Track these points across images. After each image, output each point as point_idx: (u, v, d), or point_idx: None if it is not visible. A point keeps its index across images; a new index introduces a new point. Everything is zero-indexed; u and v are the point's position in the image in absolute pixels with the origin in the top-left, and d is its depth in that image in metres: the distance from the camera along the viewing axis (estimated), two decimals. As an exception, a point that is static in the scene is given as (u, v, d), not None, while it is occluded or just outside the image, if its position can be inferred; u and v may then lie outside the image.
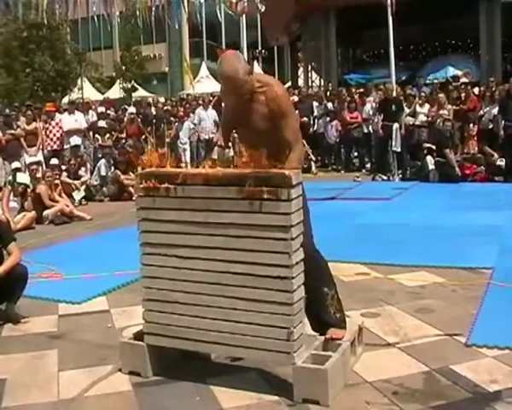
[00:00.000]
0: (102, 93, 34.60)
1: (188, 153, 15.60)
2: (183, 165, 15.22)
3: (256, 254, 3.65)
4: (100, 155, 14.06)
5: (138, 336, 4.15)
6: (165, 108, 16.82)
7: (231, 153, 4.55)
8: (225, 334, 3.78)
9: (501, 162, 13.24)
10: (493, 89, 14.69)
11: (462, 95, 15.51)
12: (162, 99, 26.63)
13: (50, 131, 13.88)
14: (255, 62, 35.15)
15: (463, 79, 15.97)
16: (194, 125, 15.83)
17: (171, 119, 16.00)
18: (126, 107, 19.59)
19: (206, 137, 15.91)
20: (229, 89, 3.87)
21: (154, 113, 16.47)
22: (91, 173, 13.63)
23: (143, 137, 15.14)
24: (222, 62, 3.85)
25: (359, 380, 3.92)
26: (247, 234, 3.67)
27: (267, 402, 3.67)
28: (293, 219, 3.60)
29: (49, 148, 13.84)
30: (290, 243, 3.58)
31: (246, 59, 3.76)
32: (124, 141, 14.98)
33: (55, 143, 13.88)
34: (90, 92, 32.27)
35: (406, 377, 3.92)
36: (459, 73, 19.02)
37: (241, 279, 3.70)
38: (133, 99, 29.36)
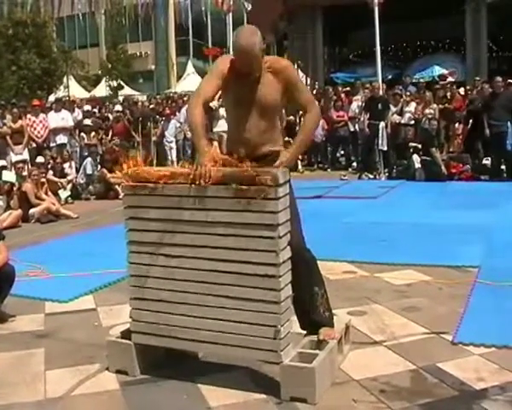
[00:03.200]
0: (88, 91, 34.49)
1: (174, 151, 15.57)
2: (169, 163, 15.23)
3: (243, 252, 3.65)
4: (86, 154, 14.00)
5: (125, 334, 4.14)
6: (151, 106, 16.75)
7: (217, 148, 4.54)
8: (213, 332, 3.78)
9: (486, 161, 13.33)
10: (479, 88, 14.74)
11: (448, 94, 15.57)
12: (144, 97, 26.52)
13: (35, 128, 13.79)
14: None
15: (449, 78, 15.99)
16: (181, 123, 15.80)
17: (158, 117, 15.96)
18: (113, 105, 19.55)
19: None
20: (243, 62, 3.82)
21: (141, 111, 16.41)
22: (77, 172, 13.57)
23: (130, 135, 15.17)
24: (239, 35, 3.84)
25: (346, 378, 3.93)
26: (235, 232, 3.67)
27: (254, 401, 3.67)
28: (281, 218, 3.60)
29: (33, 145, 13.74)
30: (277, 242, 3.58)
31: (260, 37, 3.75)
32: (110, 139, 14.92)
33: (39, 139, 13.79)
34: (76, 90, 32.16)
35: (393, 375, 3.94)
36: (445, 72, 19.08)
37: (228, 278, 3.70)
38: (119, 97, 29.25)
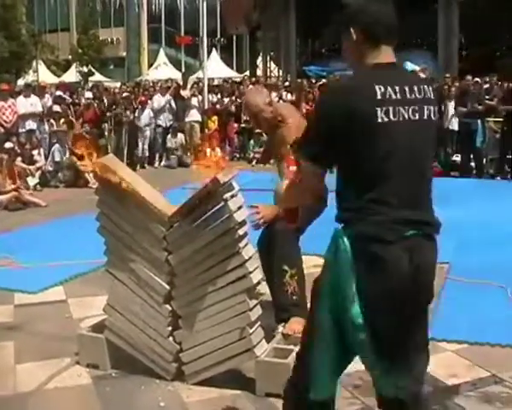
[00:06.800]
0: (58, 76, 34.03)
1: (147, 140, 15.44)
2: (140, 152, 15.09)
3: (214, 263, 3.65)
4: (54, 141, 13.77)
5: (97, 328, 4.09)
6: (125, 94, 16.54)
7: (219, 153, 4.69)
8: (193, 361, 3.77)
9: (456, 158, 13.47)
10: (449, 85, 14.86)
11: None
12: (116, 84, 26.24)
13: (3, 113, 13.51)
14: (213, 50, 35.03)
15: (421, 75, 16.09)
16: (154, 112, 15.67)
17: (133, 105, 15.77)
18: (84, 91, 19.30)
19: (163, 124, 15.80)
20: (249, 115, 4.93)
21: (113, 98, 16.20)
22: (46, 159, 13.35)
23: (101, 123, 14.96)
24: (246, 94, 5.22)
25: (321, 374, 3.92)
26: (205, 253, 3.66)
27: (230, 396, 3.66)
28: (238, 217, 3.59)
29: (1, 130, 13.46)
30: (239, 240, 3.59)
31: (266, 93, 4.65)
32: (80, 126, 14.70)
33: (7, 124, 13.52)
34: (45, 75, 31.71)
35: (367, 371, 3.94)
36: (417, 68, 19.20)
37: (207, 299, 3.69)
38: (89, 83, 28.91)
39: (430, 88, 2.41)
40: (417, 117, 2.33)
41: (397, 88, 2.30)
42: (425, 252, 2.35)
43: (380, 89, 2.27)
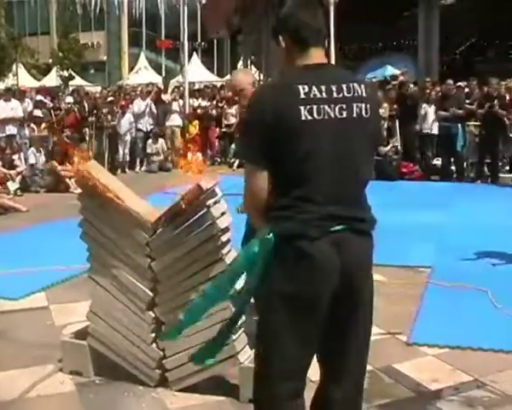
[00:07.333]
0: (38, 80, 33.75)
1: (128, 145, 15.40)
2: (120, 157, 15.03)
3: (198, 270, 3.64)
4: (29, 144, 13.65)
5: (80, 334, 4.06)
6: (109, 99, 16.47)
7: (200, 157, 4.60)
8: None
9: (437, 161, 13.57)
10: (428, 89, 14.95)
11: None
12: (97, 89, 26.12)
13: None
14: (194, 54, 34.98)
15: (401, 79, 16.18)
16: (134, 116, 15.62)
17: (114, 109, 15.69)
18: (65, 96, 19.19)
19: (144, 128, 15.78)
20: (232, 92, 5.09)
21: (94, 103, 16.11)
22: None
23: (82, 127, 14.88)
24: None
25: (304, 379, 3.93)
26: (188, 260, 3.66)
27: (213, 403, 3.66)
28: (221, 224, 3.59)
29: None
30: (222, 247, 3.59)
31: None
32: (61, 131, 14.62)
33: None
34: (25, 79, 31.42)
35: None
36: (397, 72, 19.33)
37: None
38: (70, 88, 28.74)
39: (362, 86, 2.44)
40: (345, 115, 2.37)
41: (323, 87, 2.35)
42: (354, 247, 2.39)
43: (303, 88, 2.32)
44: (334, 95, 2.36)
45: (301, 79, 2.37)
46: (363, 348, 2.55)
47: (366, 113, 2.41)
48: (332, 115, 2.35)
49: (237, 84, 4.70)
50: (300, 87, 2.33)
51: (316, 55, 2.45)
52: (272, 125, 2.30)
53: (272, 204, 2.38)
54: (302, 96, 2.32)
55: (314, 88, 2.34)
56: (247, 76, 4.90)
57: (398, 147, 13.79)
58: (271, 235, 2.34)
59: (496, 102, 12.59)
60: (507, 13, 20.54)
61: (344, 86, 2.39)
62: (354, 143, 2.41)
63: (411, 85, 15.39)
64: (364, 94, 2.43)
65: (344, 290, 2.38)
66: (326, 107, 2.34)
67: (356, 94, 2.40)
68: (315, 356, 2.53)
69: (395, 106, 14.32)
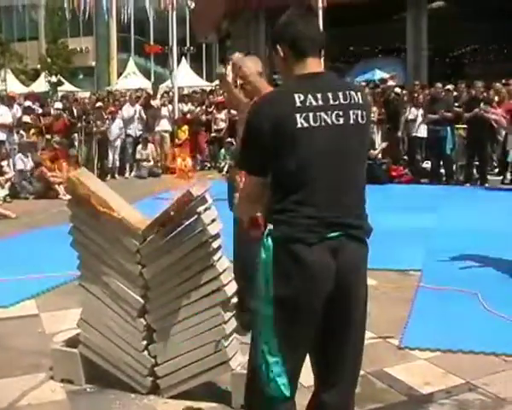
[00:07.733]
0: (27, 86, 33.62)
1: (117, 150, 15.37)
2: (110, 163, 14.99)
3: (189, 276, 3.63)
4: (17, 149, 13.58)
5: (71, 342, 4.04)
6: (98, 104, 16.44)
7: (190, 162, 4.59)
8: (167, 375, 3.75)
9: (426, 165, 13.62)
10: (417, 93, 14.99)
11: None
12: (85, 94, 26.05)
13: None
14: (183, 59, 34.95)
15: (390, 82, 16.25)
16: (124, 122, 15.60)
17: (103, 114, 15.66)
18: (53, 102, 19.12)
19: (133, 134, 15.76)
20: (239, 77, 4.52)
21: (83, 109, 16.08)
22: (15, 170, 13.18)
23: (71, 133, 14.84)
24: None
25: (296, 384, 3.93)
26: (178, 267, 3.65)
27: (206, 409, 3.64)
28: (212, 230, 3.59)
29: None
30: (213, 253, 3.58)
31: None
32: (50, 137, 14.58)
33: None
34: (13, 84, 31.31)
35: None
36: (386, 75, 19.41)
37: (182, 312, 3.67)
38: (59, 93, 28.66)
39: (359, 93, 2.48)
40: (342, 121, 2.41)
41: (318, 95, 2.39)
42: (350, 253, 2.41)
43: (299, 97, 2.37)
44: (331, 102, 2.40)
45: (297, 88, 2.41)
46: (357, 352, 2.56)
47: (362, 119, 2.45)
48: (329, 122, 2.38)
49: (247, 72, 4.43)
50: (296, 96, 2.37)
51: (312, 65, 2.49)
52: (269, 135, 2.35)
53: (271, 209, 2.42)
54: (298, 104, 2.36)
55: (310, 96, 2.38)
56: (256, 65, 4.52)
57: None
58: (269, 239, 2.37)
59: (482, 104, 12.63)
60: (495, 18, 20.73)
61: (340, 94, 2.42)
62: (351, 150, 2.44)
63: (397, 89, 15.42)
64: (361, 101, 2.47)
65: (339, 296, 2.40)
66: (322, 114, 2.38)
67: (352, 101, 2.44)
68: (309, 362, 2.53)
69: (383, 110, 14.37)
